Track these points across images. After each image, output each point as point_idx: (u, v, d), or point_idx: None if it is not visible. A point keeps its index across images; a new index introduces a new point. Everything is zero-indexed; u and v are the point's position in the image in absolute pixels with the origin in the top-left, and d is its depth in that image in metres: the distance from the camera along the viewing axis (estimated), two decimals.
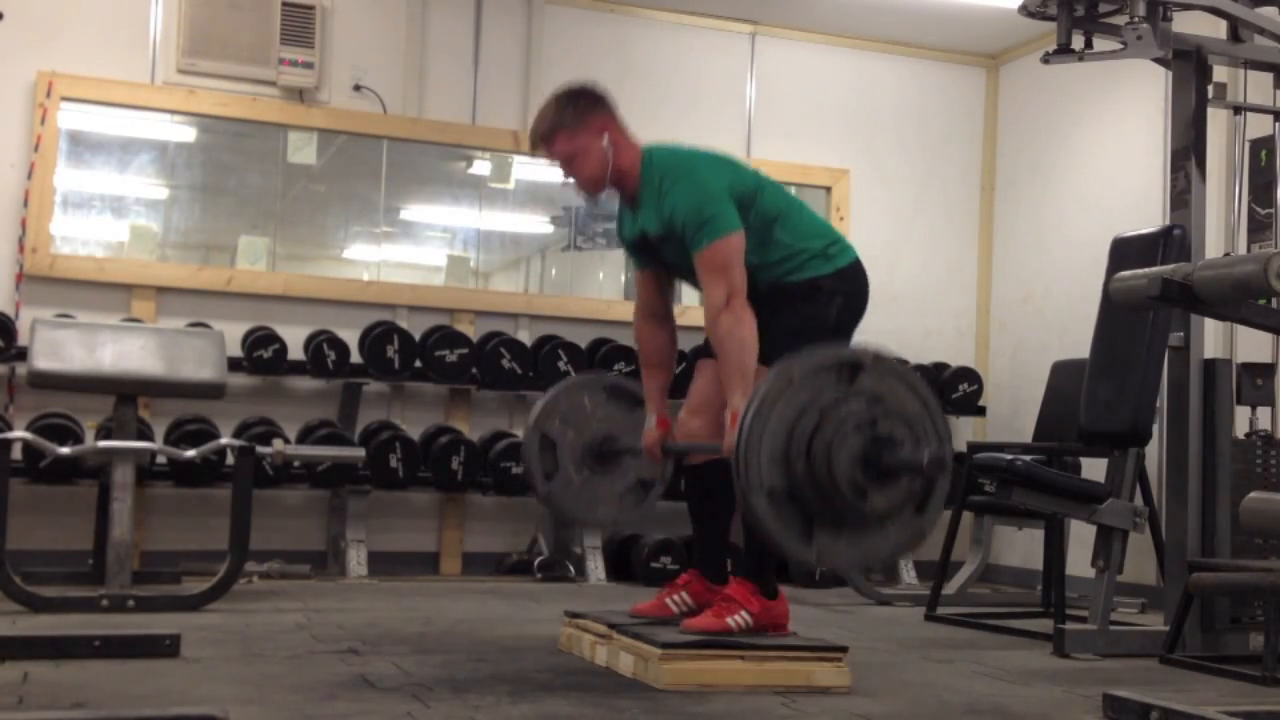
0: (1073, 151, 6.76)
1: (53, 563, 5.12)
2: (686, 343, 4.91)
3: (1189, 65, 4.51)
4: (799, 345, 3.64)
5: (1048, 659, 4.24)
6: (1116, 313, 4.47)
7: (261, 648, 3.78)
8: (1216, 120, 4.83)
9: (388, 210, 6.63)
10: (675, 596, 3.80)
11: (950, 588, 5.55)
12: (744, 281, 3.55)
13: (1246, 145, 4.99)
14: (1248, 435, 4.55)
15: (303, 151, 6.29)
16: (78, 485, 5.34)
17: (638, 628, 3.57)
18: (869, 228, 7.04)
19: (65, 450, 4.69)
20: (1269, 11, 4.56)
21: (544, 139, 3.76)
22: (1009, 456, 4.74)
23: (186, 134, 6.27)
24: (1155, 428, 4.64)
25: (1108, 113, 6.54)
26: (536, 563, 6.07)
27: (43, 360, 4.63)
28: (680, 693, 3.26)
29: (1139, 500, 4.65)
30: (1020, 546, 6.58)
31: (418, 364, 6.02)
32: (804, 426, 2.92)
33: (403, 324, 6.12)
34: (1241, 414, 4.58)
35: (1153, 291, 3.25)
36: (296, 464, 5.50)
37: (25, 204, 5.71)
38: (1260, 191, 5.24)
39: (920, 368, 6.73)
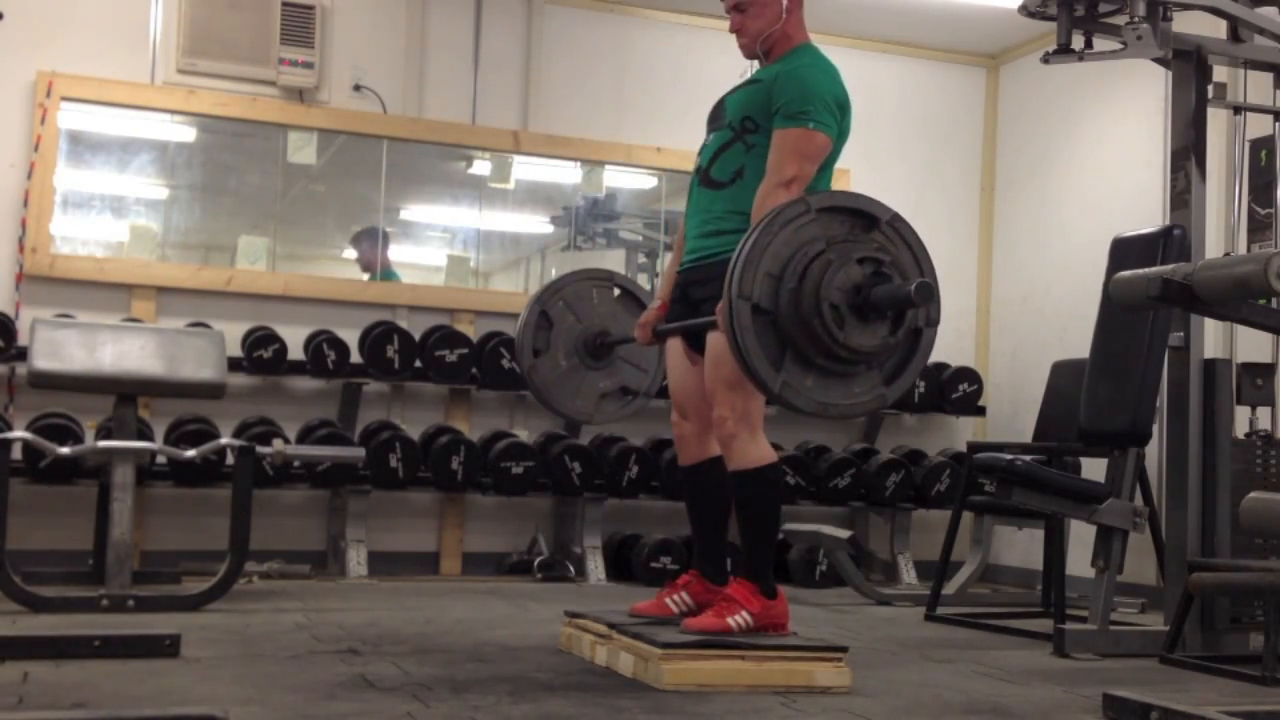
0: (1073, 151, 6.76)
1: (53, 563, 5.12)
2: None
3: (1189, 65, 4.52)
4: None
5: (1048, 659, 4.24)
6: (1116, 313, 4.47)
7: (261, 648, 3.78)
8: (1216, 120, 4.84)
9: (388, 210, 6.63)
10: (675, 596, 3.80)
11: (950, 588, 5.56)
12: (811, 177, 3.53)
13: (1246, 145, 4.99)
14: (1248, 435, 4.55)
15: (303, 151, 6.29)
16: (78, 485, 5.34)
17: (638, 628, 3.57)
18: None
19: (65, 450, 4.69)
20: (1269, 11, 4.56)
21: None
22: (1009, 456, 4.74)
23: (186, 134, 6.27)
24: (1155, 428, 4.65)
25: (1108, 113, 6.54)
26: (536, 563, 6.07)
27: (43, 360, 4.63)
28: (680, 693, 3.26)
29: (1139, 500, 4.65)
30: (1020, 546, 6.58)
31: (418, 364, 6.02)
32: (805, 253, 2.98)
33: (403, 324, 6.12)
34: (1241, 414, 4.58)
35: (1153, 291, 3.25)
36: (296, 464, 5.51)
37: (25, 204, 5.72)
38: (1260, 191, 5.24)
39: None
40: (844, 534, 5.59)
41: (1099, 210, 6.42)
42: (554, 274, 7.19)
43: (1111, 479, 4.62)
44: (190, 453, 4.88)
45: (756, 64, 3.84)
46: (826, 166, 3.67)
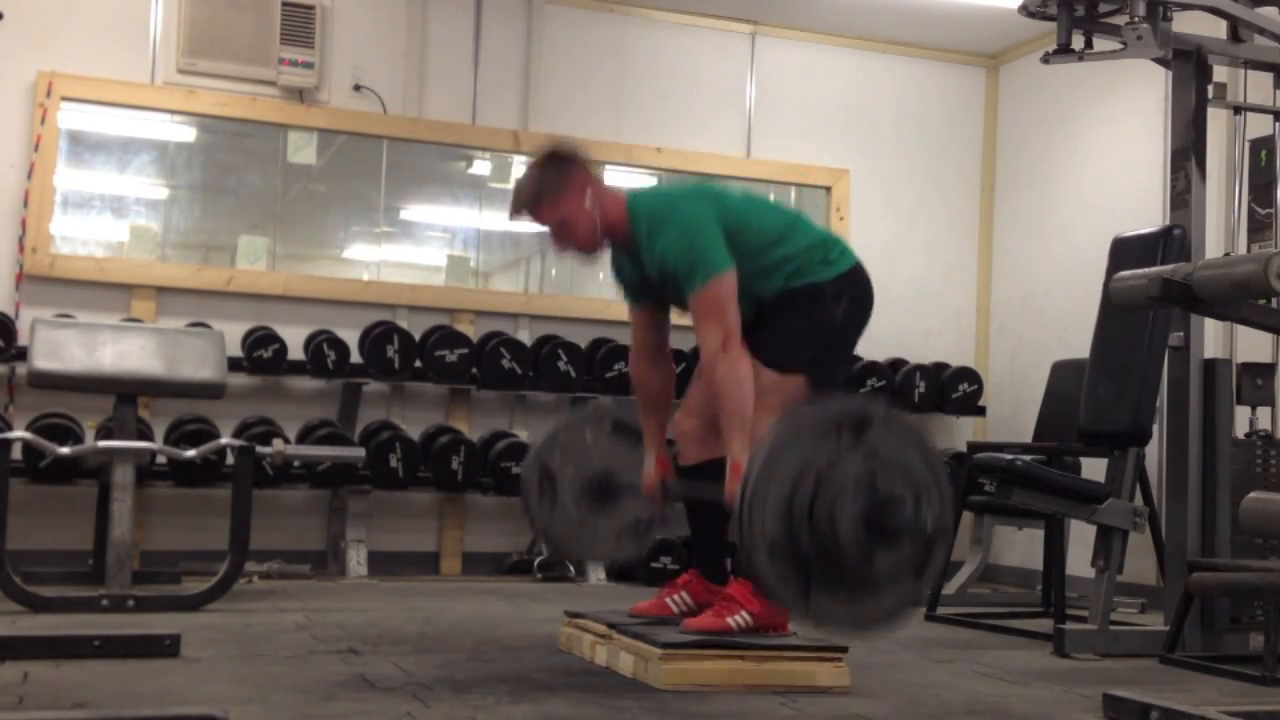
0: (1073, 151, 6.76)
1: (53, 563, 5.12)
2: (685, 342, 4.92)
3: (1189, 65, 4.51)
4: (805, 348, 3.65)
5: (1048, 659, 4.24)
6: (1116, 313, 4.47)
7: (261, 648, 3.78)
8: (1216, 120, 4.83)
9: (388, 210, 6.63)
10: (675, 596, 3.80)
11: (950, 588, 5.55)
12: (738, 322, 3.52)
13: (1246, 145, 4.99)
14: (1248, 435, 4.55)
15: (303, 151, 6.29)
16: (78, 485, 5.34)
17: (638, 628, 3.57)
18: (869, 228, 7.04)
19: (65, 450, 4.69)
20: (1269, 11, 4.56)
21: (529, 210, 3.72)
22: (1009, 456, 4.73)
23: (186, 134, 6.27)
24: (1155, 428, 4.64)
25: (1108, 113, 6.54)
26: (536, 563, 6.07)
27: (43, 360, 4.63)
28: (680, 693, 3.26)
29: (1139, 500, 4.65)
30: (1020, 546, 6.58)
31: (418, 364, 6.02)
32: (809, 481, 2.89)
33: (403, 324, 6.12)
34: (1241, 414, 4.58)
35: (1153, 291, 3.26)
36: (296, 464, 5.50)
37: (25, 204, 5.72)
38: (1260, 191, 5.24)
39: (920, 368, 6.74)
40: None
41: (1099, 210, 6.42)
42: (553, 274, 7.22)
43: (1111, 479, 4.62)
44: (190, 453, 4.88)
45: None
46: (772, 238, 3.66)
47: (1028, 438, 6.10)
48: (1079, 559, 5.17)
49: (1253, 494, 3.53)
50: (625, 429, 4.25)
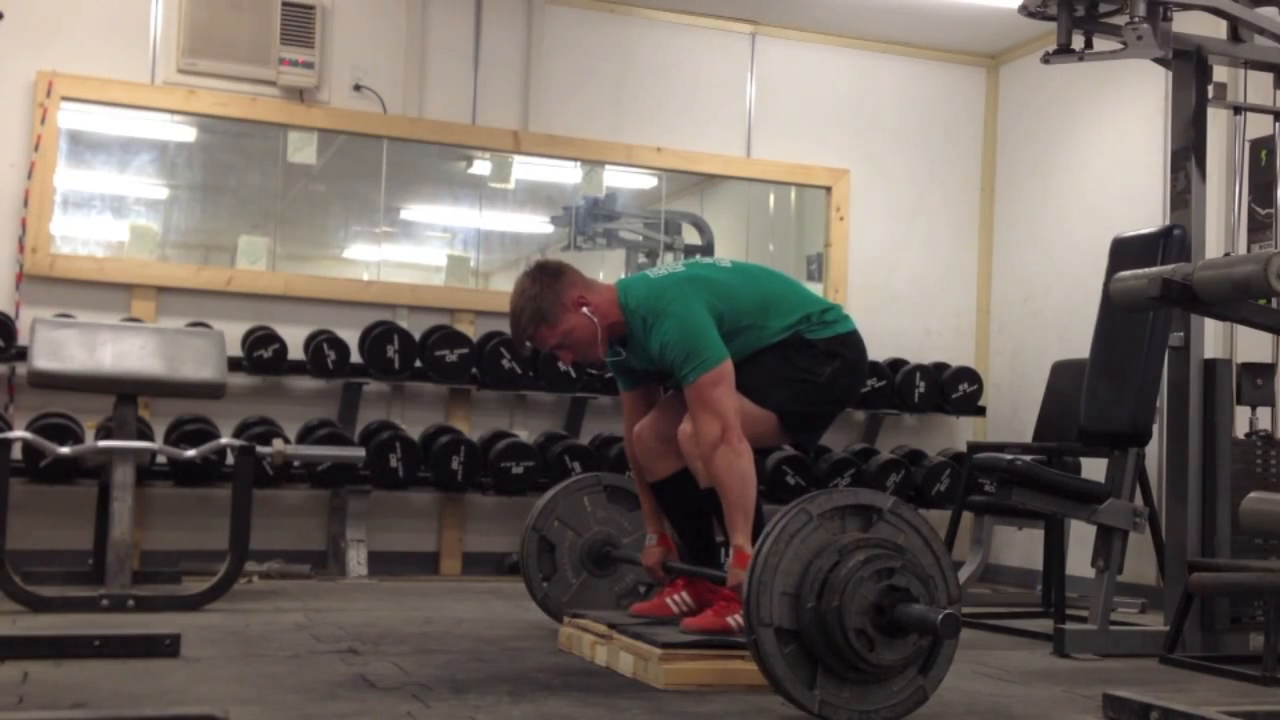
0: (1073, 151, 6.76)
1: (53, 563, 5.12)
2: None
3: (1189, 65, 4.51)
4: (783, 390, 3.67)
5: (1048, 659, 4.24)
6: (1116, 313, 4.47)
7: (261, 648, 3.78)
8: (1216, 120, 4.84)
9: (388, 210, 6.63)
10: (675, 596, 3.80)
11: None
12: (736, 412, 3.53)
13: (1246, 145, 4.99)
14: (1248, 435, 4.55)
15: (303, 151, 6.29)
16: (78, 485, 5.34)
17: (638, 628, 3.57)
18: (869, 228, 7.04)
19: (65, 450, 4.69)
20: (1269, 11, 4.56)
21: (532, 336, 3.75)
22: (1009, 456, 4.73)
23: (186, 134, 6.27)
24: (1155, 428, 4.64)
25: (1108, 113, 6.54)
26: None
27: (43, 360, 4.63)
28: (680, 692, 3.26)
29: (1139, 500, 4.65)
30: (1020, 546, 6.58)
31: (418, 364, 6.01)
32: (818, 568, 2.90)
33: (403, 324, 6.12)
34: (1241, 414, 4.58)
35: (1153, 291, 3.26)
36: (296, 464, 5.50)
37: (25, 204, 5.71)
38: (1260, 191, 5.24)
39: (920, 368, 6.74)
40: None
41: (1099, 210, 6.42)
42: None
43: (1111, 479, 4.62)
44: (190, 453, 4.88)
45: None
46: (767, 307, 3.69)
47: (1028, 438, 6.10)
48: (1079, 559, 5.17)
49: (1253, 494, 3.52)
50: (620, 494, 4.30)
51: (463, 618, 4.63)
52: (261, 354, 5.81)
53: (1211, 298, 3.19)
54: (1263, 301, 3.59)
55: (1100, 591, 4.44)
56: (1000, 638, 4.76)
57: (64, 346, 4.68)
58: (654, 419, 3.83)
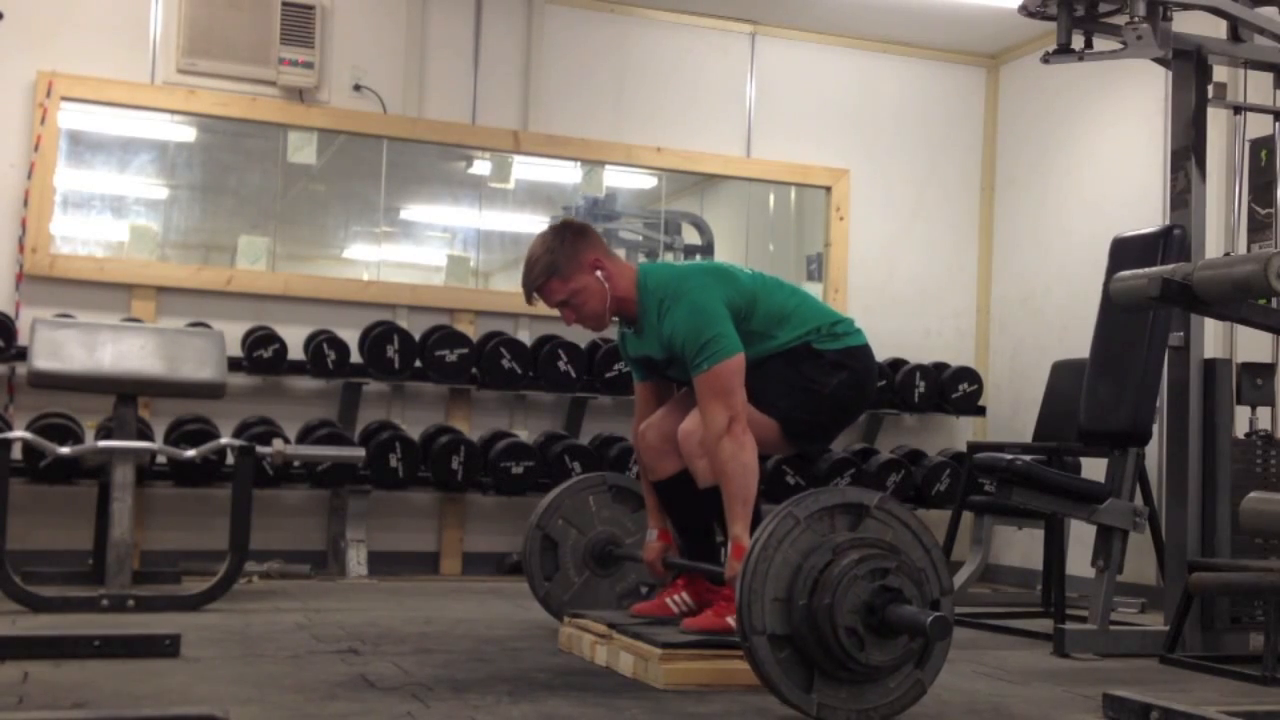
0: (1073, 151, 6.76)
1: (53, 563, 5.12)
2: None
3: (1189, 65, 4.51)
4: (787, 398, 3.67)
5: (1048, 659, 4.24)
6: (1116, 313, 4.47)
7: (261, 648, 3.78)
8: (1216, 120, 4.83)
9: (388, 210, 6.63)
10: (675, 596, 3.80)
11: None
12: (744, 405, 3.53)
13: (1246, 145, 4.99)
14: (1248, 435, 4.55)
15: (303, 151, 6.29)
16: (78, 485, 5.34)
17: (638, 628, 3.57)
18: (869, 228, 7.04)
19: (65, 450, 4.69)
20: (1269, 11, 4.56)
21: (538, 289, 3.76)
22: (1009, 456, 4.73)
23: (186, 134, 6.27)
24: (1155, 428, 4.64)
25: (1108, 113, 6.54)
26: None
27: (43, 360, 4.63)
28: (680, 692, 3.26)
29: (1139, 500, 4.65)
30: (1020, 546, 6.58)
31: (418, 364, 6.01)
32: (810, 567, 2.90)
33: (403, 324, 6.12)
34: (1241, 414, 4.58)
35: (1153, 291, 3.26)
36: (296, 464, 5.51)
37: (25, 204, 5.71)
38: (1260, 191, 5.24)
39: (920, 367, 6.74)
40: None
41: (1099, 210, 6.42)
42: None
43: (1111, 479, 4.62)
44: (190, 453, 4.88)
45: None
46: (780, 317, 3.70)
47: (1028, 438, 6.10)
48: (1079, 559, 5.17)
49: (1253, 494, 3.52)
50: (624, 494, 4.30)
51: (463, 618, 4.63)
52: (261, 354, 5.81)
53: (1211, 298, 3.19)
54: (1263, 301, 3.60)
55: (1100, 591, 4.44)
56: (1000, 638, 4.76)
57: (64, 346, 4.68)
58: (661, 417, 3.82)
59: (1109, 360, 4.66)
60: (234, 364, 5.53)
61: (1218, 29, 4.64)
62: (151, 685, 3.13)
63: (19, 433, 4.77)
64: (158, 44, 5.99)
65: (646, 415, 3.92)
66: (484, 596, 5.38)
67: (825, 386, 3.69)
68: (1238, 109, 4.93)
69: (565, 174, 6.87)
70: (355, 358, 5.98)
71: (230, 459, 4.89)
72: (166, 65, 5.99)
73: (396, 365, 5.95)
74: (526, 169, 6.72)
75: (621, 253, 7.17)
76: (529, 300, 3.81)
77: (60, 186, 5.90)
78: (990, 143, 7.33)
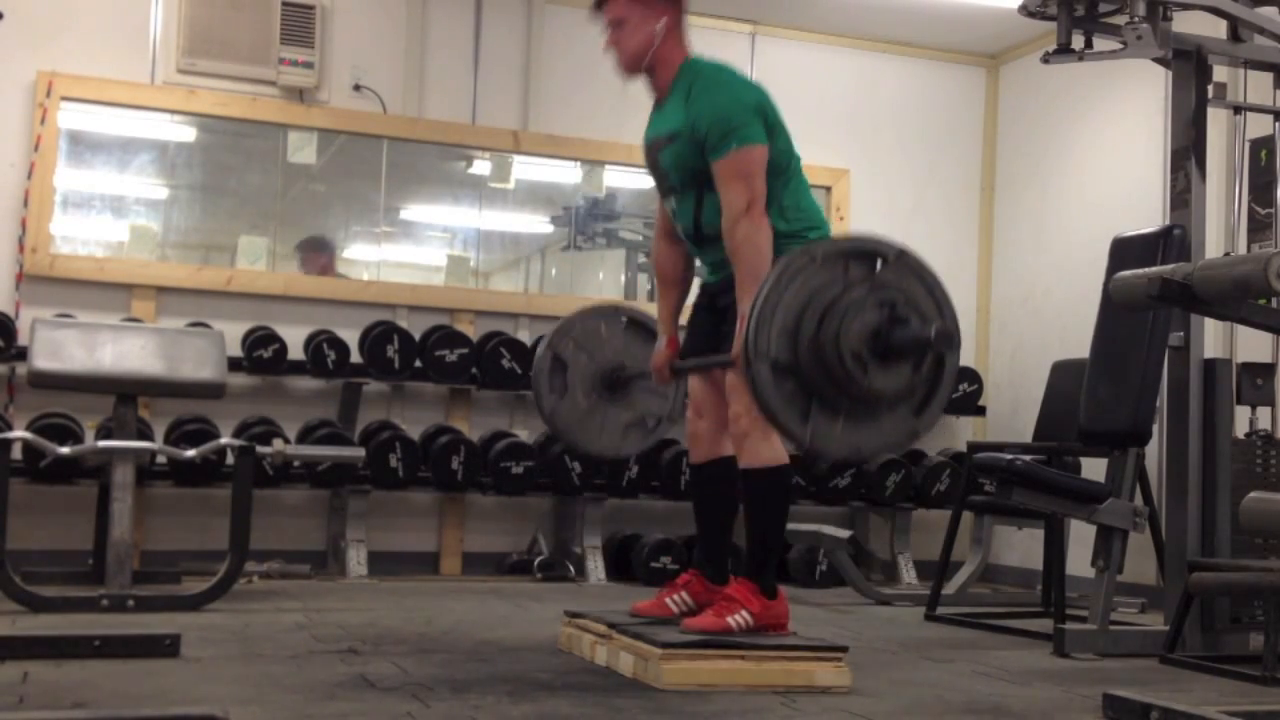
0: (1073, 151, 6.76)
1: (53, 563, 5.12)
2: None
3: (1189, 65, 4.51)
4: None
5: (1048, 659, 4.24)
6: (1116, 313, 4.47)
7: (261, 648, 3.78)
8: (1216, 120, 4.83)
9: (388, 210, 6.63)
10: (675, 596, 3.80)
11: (950, 588, 5.55)
12: (764, 192, 3.55)
13: (1246, 145, 4.99)
14: (1248, 435, 4.55)
15: (303, 151, 6.29)
16: (78, 485, 5.34)
17: (638, 627, 3.57)
18: (869, 227, 7.03)
19: (65, 450, 4.69)
20: (1269, 11, 4.56)
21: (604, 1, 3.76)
22: (1009, 456, 4.74)
23: (186, 134, 6.27)
24: (1155, 428, 4.64)
25: (1108, 113, 6.54)
26: (536, 563, 6.07)
27: (43, 360, 4.63)
28: (680, 693, 3.26)
29: (1139, 500, 4.65)
30: (1020, 546, 6.58)
31: (418, 364, 6.01)
32: (819, 303, 2.94)
33: (403, 324, 6.12)
34: (1241, 414, 4.58)
35: (1153, 291, 3.26)
36: (296, 464, 5.51)
37: (25, 204, 5.72)
38: (1260, 191, 5.24)
39: None
40: (844, 534, 5.59)
41: (1099, 210, 6.42)
42: (553, 274, 7.23)
43: (1111, 479, 4.62)
44: (190, 453, 4.88)
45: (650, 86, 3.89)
46: (784, 170, 3.68)
47: (1028, 438, 6.10)
48: (1079, 559, 5.17)
49: (1253, 494, 3.52)
50: (638, 325, 4.26)
51: (463, 618, 4.63)
52: (261, 354, 5.81)
53: (1211, 297, 3.19)
54: (1263, 301, 3.60)
55: (1100, 591, 4.44)
56: (1000, 638, 4.76)
57: (64, 346, 4.68)
58: (718, 402, 3.75)
59: (1109, 360, 4.66)
60: (234, 364, 5.53)
61: (1218, 29, 4.64)
62: (151, 685, 3.13)
63: (19, 433, 4.77)
64: (158, 44, 6.00)
65: (664, 226, 3.92)
66: (484, 596, 5.38)
67: None
68: (1238, 109, 4.93)
69: (565, 174, 6.87)
70: (355, 358, 5.98)
71: (230, 459, 4.88)
72: (166, 65, 5.99)
73: (396, 365, 5.95)
74: (526, 169, 6.72)
75: (621, 253, 7.20)
76: (597, 8, 3.78)
77: (60, 186, 5.90)
78: (990, 143, 7.33)
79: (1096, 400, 4.68)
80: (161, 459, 5.28)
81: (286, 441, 5.32)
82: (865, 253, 3.02)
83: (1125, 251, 4.62)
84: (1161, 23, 4.34)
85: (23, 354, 5.10)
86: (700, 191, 3.68)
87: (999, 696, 3.49)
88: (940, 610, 5.16)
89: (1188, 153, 4.48)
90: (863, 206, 7.06)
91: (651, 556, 5.91)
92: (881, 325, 2.93)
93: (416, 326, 6.13)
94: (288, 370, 5.89)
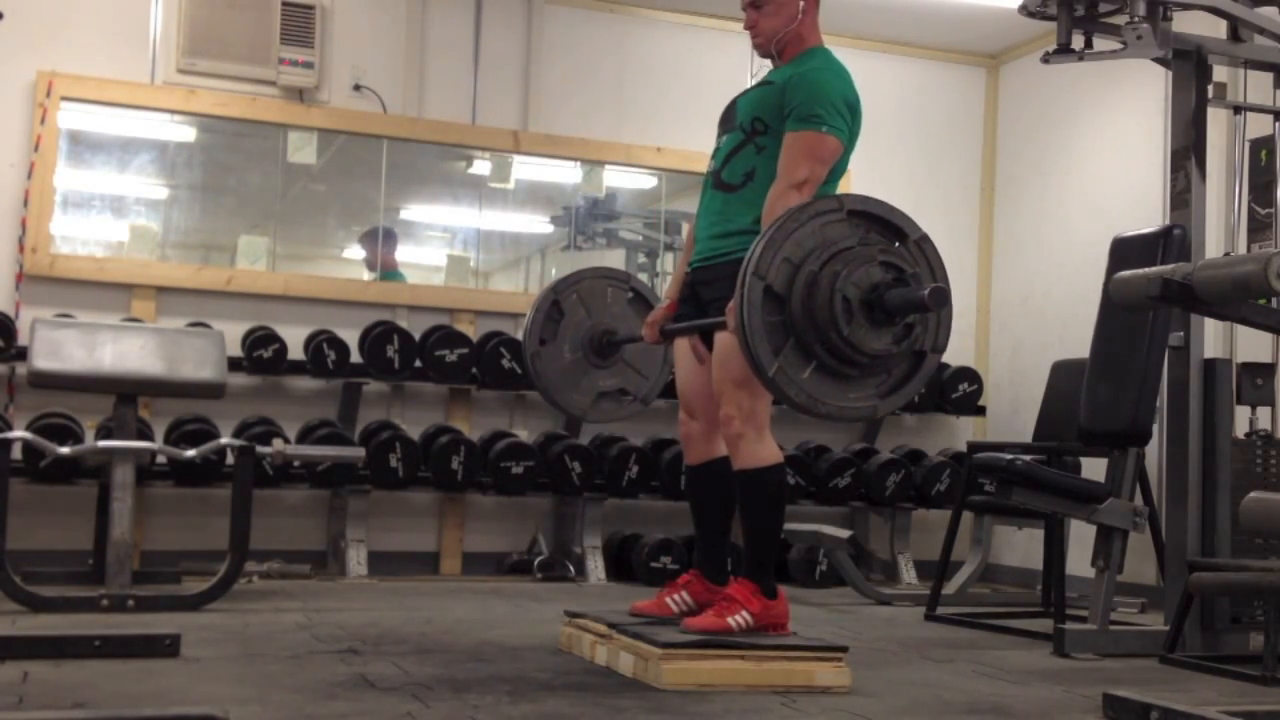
0: (1073, 151, 6.76)
1: (53, 563, 5.12)
2: None
3: (1189, 65, 4.51)
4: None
5: (1048, 659, 4.24)
6: (1116, 313, 4.47)
7: (261, 648, 3.78)
8: (1216, 120, 4.84)
9: (388, 210, 6.63)
10: (675, 596, 3.80)
11: (950, 588, 5.56)
12: (822, 180, 3.56)
13: (1246, 145, 5.00)
14: (1248, 435, 4.55)
15: (303, 151, 6.29)
16: (78, 485, 5.34)
17: (638, 627, 3.57)
18: None
19: (65, 450, 4.69)
20: (1269, 11, 4.56)
21: None
22: (1009, 456, 4.73)
23: (186, 134, 6.27)
24: (1155, 428, 4.64)
25: (1108, 113, 6.54)
26: (536, 563, 6.07)
27: (43, 360, 4.63)
28: (680, 692, 3.26)
29: (1139, 500, 4.65)
30: (1020, 546, 6.58)
31: (418, 364, 6.02)
32: (830, 247, 2.99)
33: (403, 324, 6.12)
34: (1241, 414, 4.58)
35: (1153, 291, 3.25)
36: (296, 464, 5.50)
37: (25, 204, 5.72)
38: (1260, 191, 5.24)
39: None
40: (844, 534, 5.59)
41: (1099, 210, 6.42)
42: (554, 274, 7.22)
43: (1111, 479, 4.62)
44: (190, 453, 4.88)
45: (770, 65, 3.86)
46: (835, 172, 3.68)
47: (1028, 438, 6.10)
48: (1079, 559, 5.17)
49: (1253, 494, 3.52)
50: (643, 300, 4.25)
51: (463, 618, 4.63)
52: (261, 354, 5.81)
53: (1211, 297, 3.18)
54: (1263, 301, 3.60)
55: (1100, 591, 4.44)
56: (1000, 638, 4.76)
57: (64, 346, 4.68)
58: (708, 403, 3.73)
59: (1109, 360, 4.66)
60: (234, 364, 5.53)
61: (1218, 29, 4.64)
62: (151, 685, 3.13)
63: (19, 433, 4.77)
64: (157, 44, 6.00)
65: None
66: (484, 596, 5.38)
67: None
68: (1238, 109, 4.93)
69: (565, 174, 6.87)
70: (355, 358, 5.98)
71: (230, 459, 4.88)
72: (166, 65, 5.99)
73: (396, 365, 5.95)
74: (526, 169, 6.72)
75: (621, 252, 7.20)
76: None
77: (60, 186, 5.90)
78: (990, 143, 7.33)
79: (1096, 400, 4.68)
80: (161, 459, 5.28)
81: (286, 441, 5.32)
82: (891, 223, 3.05)
83: (1125, 251, 4.62)
84: (1161, 23, 4.34)
85: (23, 354, 5.11)
86: (749, 140, 3.69)
87: (999, 696, 3.49)
88: (940, 610, 5.17)
89: (1188, 153, 4.48)
90: None
91: (651, 556, 5.92)
92: (881, 282, 2.99)
93: (416, 326, 6.13)
94: (288, 370, 5.89)
